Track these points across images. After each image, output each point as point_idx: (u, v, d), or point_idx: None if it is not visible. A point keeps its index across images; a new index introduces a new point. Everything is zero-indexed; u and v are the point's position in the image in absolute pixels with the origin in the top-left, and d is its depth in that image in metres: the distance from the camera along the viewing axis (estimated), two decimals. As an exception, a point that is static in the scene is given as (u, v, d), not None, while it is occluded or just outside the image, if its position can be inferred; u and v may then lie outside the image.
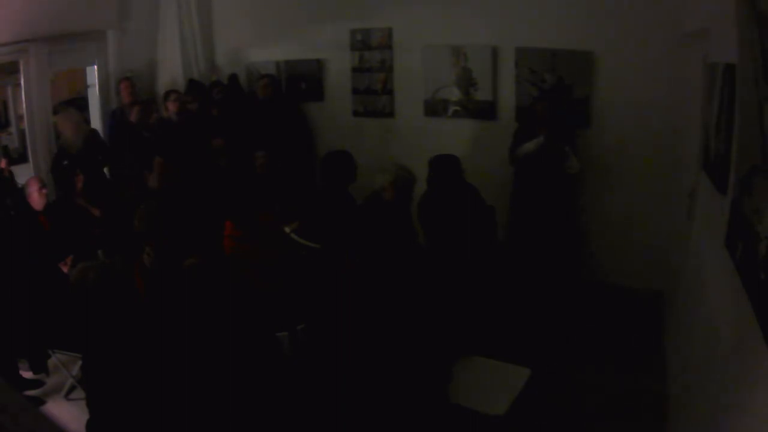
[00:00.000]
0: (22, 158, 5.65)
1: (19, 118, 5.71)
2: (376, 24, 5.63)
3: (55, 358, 3.82)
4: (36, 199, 4.12)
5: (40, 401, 3.71)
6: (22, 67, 5.24)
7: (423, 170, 4.12)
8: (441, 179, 4.06)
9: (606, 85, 4.71)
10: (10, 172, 4.77)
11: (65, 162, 4.90)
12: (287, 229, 4.11)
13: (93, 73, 6.11)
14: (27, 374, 3.89)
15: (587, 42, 4.69)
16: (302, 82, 6.13)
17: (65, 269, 3.98)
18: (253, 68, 6.29)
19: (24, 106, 5.37)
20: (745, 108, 1.89)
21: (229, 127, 5.40)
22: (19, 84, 5.35)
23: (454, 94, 5.36)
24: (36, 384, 3.88)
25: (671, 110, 4.36)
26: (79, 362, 3.31)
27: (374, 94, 5.82)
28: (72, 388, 3.78)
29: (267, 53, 6.21)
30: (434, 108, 5.49)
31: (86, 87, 6.23)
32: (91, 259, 3.69)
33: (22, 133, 5.71)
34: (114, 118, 5.78)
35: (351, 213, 3.90)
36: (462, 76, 5.28)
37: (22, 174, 4.98)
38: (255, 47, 6.29)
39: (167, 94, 5.76)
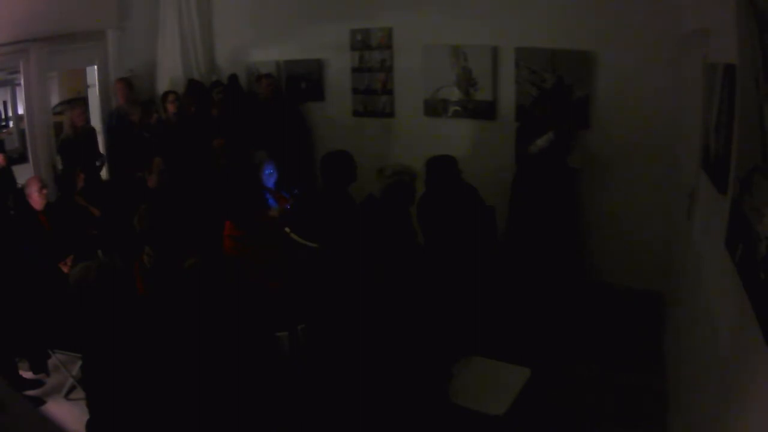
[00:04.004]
0: (22, 158, 5.66)
1: (19, 118, 5.71)
2: (376, 24, 5.63)
3: (55, 358, 3.82)
4: (36, 199, 4.12)
5: (40, 401, 3.71)
6: (22, 67, 5.24)
7: (422, 170, 4.12)
8: (438, 180, 4.06)
9: (606, 85, 4.71)
10: (10, 169, 4.78)
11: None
12: (287, 229, 4.11)
13: (93, 73, 6.12)
14: (27, 374, 3.89)
15: (587, 42, 4.69)
16: (302, 82, 6.13)
17: (65, 269, 3.99)
18: (253, 68, 6.29)
19: (24, 106, 5.37)
20: (745, 108, 1.88)
21: (229, 127, 5.40)
22: (19, 84, 5.36)
23: (454, 94, 5.36)
24: (36, 384, 3.88)
25: (671, 110, 4.35)
26: (79, 362, 3.31)
27: (374, 94, 5.82)
28: (72, 388, 3.78)
29: (267, 53, 6.22)
30: (434, 108, 5.49)
31: (86, 87, 6.24)
32: (91, 259, 3.69)
33: (22, 133, 5.71)
34: (113, 118, 5.79)
35: (351, 213, 3.89)
36: (462, 76, 5.28)
37: (22, 174, 4.99)
38: (255, 47, 6.30)
39: (165, 94, 5.76)
